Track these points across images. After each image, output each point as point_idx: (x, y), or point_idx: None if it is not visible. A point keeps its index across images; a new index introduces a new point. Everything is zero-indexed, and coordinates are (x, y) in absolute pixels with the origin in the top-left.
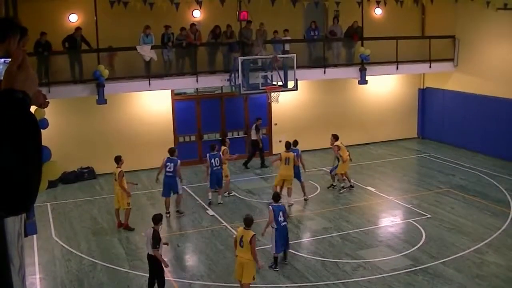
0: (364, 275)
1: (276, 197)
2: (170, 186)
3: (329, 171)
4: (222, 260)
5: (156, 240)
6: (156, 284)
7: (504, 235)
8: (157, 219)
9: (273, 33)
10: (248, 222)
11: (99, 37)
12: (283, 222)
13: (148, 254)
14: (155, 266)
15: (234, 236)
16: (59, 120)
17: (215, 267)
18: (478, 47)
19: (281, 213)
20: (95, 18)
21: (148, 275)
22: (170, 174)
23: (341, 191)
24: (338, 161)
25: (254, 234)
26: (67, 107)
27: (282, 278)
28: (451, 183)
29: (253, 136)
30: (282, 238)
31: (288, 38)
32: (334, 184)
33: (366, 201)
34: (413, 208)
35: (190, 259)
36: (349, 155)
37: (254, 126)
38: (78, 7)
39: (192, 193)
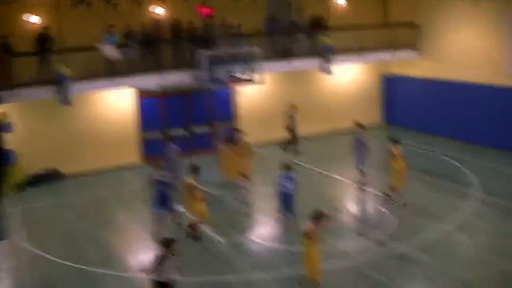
0: (336, 263)
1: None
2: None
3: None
4: (192, 253)
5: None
6: None
7: (470, 215)
8: (166, 242)
9: (236, 26)
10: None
11: (62, 37)
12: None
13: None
14: None
15: None
16: (24, 123)
17: (186, 260)
18: (440, 33)
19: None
20: (58, 19)
21: None
22: None
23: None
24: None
25: None
26: (32, 108)
27: (254, 268)
28: (417, 167)
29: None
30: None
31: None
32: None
33: (333, 189)
34: (380, 194)
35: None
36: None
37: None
38: (40, 8)
39: None
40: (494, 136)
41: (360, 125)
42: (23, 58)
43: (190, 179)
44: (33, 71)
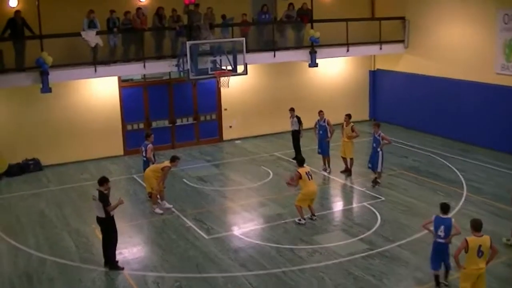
0: (320, 261)
1: (444, 208)
2: (144, 171)
3: (372, 166)
4: (175, 249)
5: (104, 199)
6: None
7: (458, 215)
8: (101, 180)
9: (221, 16)
10: (479, 226)
11: (42, 23)
12: (441, 239)
13: (98, 217)
14: (108, 227)
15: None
16: (1, 111)
17: (169, 257)
18: (428, 28)
19: (442, 228)
20: (37, 2)
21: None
22: (144, 158)
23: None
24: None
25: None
26: (9, 96)
27: (237, 266)
28: (404, 165)
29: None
30: (439, 254)
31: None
32: (379, 181)
33: (319, 185)
34: (366, 191)
35: (143, 250)
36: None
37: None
38: None
39: (142, 182)
40: (482, 135)
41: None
42: None
43: (166, 163)
44: (15, 57)
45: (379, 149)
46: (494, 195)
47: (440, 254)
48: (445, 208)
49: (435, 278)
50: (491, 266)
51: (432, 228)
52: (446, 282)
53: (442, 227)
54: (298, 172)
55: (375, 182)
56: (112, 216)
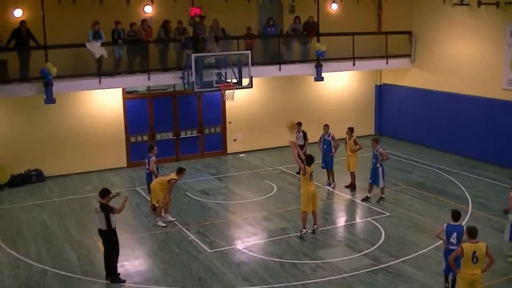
0: (323, 276)
1: (456, 215)
2: (147, 184)
3: (374, 182)
4: (178, 263)
5: (107, 208)
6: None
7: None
8: (103, 192)
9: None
10: (474, 233)
11: (47, 33)
12: (453, 246)
13: (100, 229)
14: (109, 239)
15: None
16: (5, 121)
17: (171, 271)
18: (435, 43)
19: (454, 235)
20: (42, 13)
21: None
22: (147, 170)
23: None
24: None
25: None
26: (13, 106)
27: (240, 280)
28: (409, 180)
29: (301, 142)
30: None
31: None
32: (384, 196)
33: (323, 200)
34: (371, 207)
35: (145, 263)
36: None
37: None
38: (23, 1)
39: (145, 195)
40: (489, 151)
41: (376, 140)
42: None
43: (173, 175)
44: (19, 67)
45: (378, 165)
46: (500, 212)
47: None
48: (456, 215)
49: (445, 278)
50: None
51: (444, 236)
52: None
53: (454, 234)
54: (304, 166)
55: (380, 199)
56: (114, 229)
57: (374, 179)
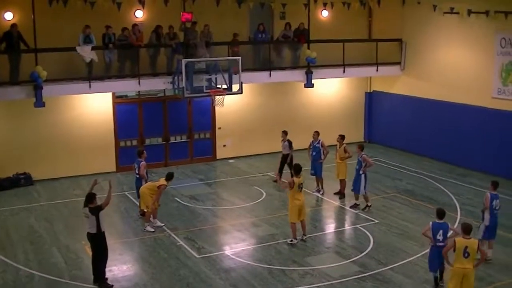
0: (312, 283)
1: (440, 213)
2: (136, 188)
3: (354, 189)
4: (166, 268)
5: (97, 209)
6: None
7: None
8: (90, 198)
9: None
10: (468, 229)
11: (37, 36)
12: (440, 242)
13: (89, 233)
14: (98, 243)
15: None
16: None
17: (159, 276)
18: (425, 51)
19: (441, 232)
20: (32, 16)
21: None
22: (136, 175)
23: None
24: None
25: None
26: (2, 109)
27: (229, 286)
28: (398, 187)
29: (286, 150)
30: (438, 257)
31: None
32: (369, 204)
33: (312, 207)
34: (360, 213)
35: (133, 268)
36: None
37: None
38: (14, 4)
39: (134, 200)
40: (478, 159)
41: (361, 147)
42: None
43: (162, 181)
44: (9, 70)
45: (361, 172)
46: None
47: (439, 256)
48: (441, 213)
49: (435, 280)
50: None
51: (431, 234)
52: (442, 284)
53: (440, 232)
54: (292, 180)
55: (366, 207)
56: (103, 232)
57: (355, 186)
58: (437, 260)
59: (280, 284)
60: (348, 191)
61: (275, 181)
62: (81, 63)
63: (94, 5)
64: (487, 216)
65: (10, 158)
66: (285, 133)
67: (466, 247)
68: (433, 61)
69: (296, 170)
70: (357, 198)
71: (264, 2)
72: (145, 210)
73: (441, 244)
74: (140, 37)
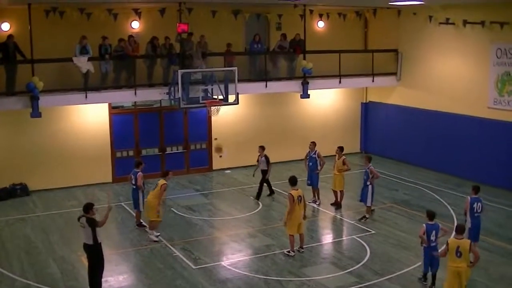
0: None
1: (431, 215)
2: (133, 199)
3: (362, 199)
4: (162, 279)
5: (93, 222)
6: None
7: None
8: (86, 207)
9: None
10: (461, 230)
11: (34, 47)
12: (433, 243)
13: (86, 244)
14: (94, 255)
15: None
16: None
17: (155, 287)
18: (421, 61)
19: (433, 233)
20: (29, 27)
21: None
22: (133, 186)
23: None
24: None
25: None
26: None
27: None
28: (395, 198)
29: (264, 166)
30: (430, 257)
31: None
32: (367, 216)
33: (308, 218)
34: (356, 224)
35: (129, 279)
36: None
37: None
38: (10, 15)
39: (130, 210)
40: (474, 169)
41: (368, 158)
42: None
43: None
44: (6, 81)
45: (368, 183)
46: (483, 230)
47: (431, 256)
48: (431, 215)
49: (424, 275)
50: None
51: (425, 236)
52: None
53: (433, 232)
54: (290, 194)
55: (363, 217)
56: (100, 243)
57: (362, 197)
58: (428, 259)
59: None
60: (346, 201)
61: (258, 198)
62: (77, 73)
63: (90, 16)
64: (468, 219)
65: (6, 169)
66: (262, 148)
67: (458, 246)
68: (429, 72)
69: (292, 182)
70: (367, 212)
71: (260, 13)
72: (152, 219)
73: (434, 244)
74: (136, 48)
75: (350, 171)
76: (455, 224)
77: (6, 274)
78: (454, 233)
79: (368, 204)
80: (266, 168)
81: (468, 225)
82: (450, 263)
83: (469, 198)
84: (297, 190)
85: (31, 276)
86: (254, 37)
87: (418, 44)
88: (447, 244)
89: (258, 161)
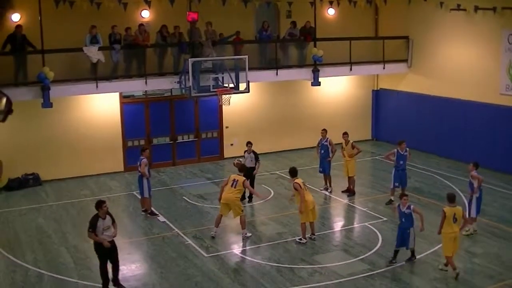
0: (320, 281)
1: (452, 198)
2: (139, 186)
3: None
4: (174, 268)
5: (92, 223)
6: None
7: (460, 237)
8: (96, 204)
9: (219, 35)
10: (452, 198)
11: (44, 37)
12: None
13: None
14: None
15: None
16: (2, 125)
17: (168, 275)
18: (432, 48)
19: (454, 214)
20: (39, 17)
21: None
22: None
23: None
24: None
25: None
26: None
27: (237, 285)
28: (407, 185)
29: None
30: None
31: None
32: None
33: (320, 205)
34: (368, 211)
35: (142, 267)
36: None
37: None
38: (21, 6)
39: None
40: (486, 156)
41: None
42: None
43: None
44: (15, 72)
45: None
46: (497, 217)
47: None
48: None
49: (395, 252)
50: None
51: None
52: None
53: (454, 214)
54: (297, 183)
55: (390, 201)
56: (113, 241)
57: (401, 182)
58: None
59: (288, 283)
60: (358, 188)
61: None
62: (88, 63)
63: (100, 6)
64: (478, 191)
65: (18, 159)
66: (249, 144)
67: (454, 213)
68: (440, 58)
69: (293, 173)
70: (392, 194)
71: (270, 1)
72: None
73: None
74: (146, 37)
75: (361, 157)
76: (467, 211)
77: (19, 264)
78: (447, 202)
79: (391, 186)
80: (254, 165)
81: (476, 195)
82: (447, 229)
83: (475, 173)
84: (298, 179)
85: (44, 265)
86: (263, 25)
87: (429, 30)
88: (444, 212)
89: (244, 157)
